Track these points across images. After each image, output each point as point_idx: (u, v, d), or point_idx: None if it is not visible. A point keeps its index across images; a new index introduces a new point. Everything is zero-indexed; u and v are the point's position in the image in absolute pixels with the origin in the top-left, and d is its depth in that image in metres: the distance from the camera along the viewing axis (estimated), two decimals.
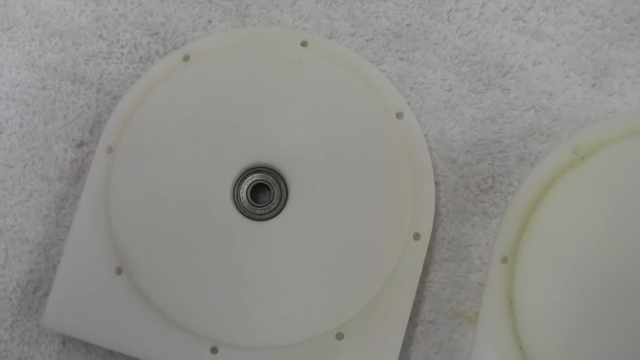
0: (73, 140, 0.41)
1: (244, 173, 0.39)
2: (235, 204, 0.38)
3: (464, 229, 0.40)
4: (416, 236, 0.38)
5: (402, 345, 0.38)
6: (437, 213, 0.39)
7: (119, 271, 0.38)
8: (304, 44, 0.40)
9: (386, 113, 0.39)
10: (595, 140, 0.37)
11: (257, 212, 0.39)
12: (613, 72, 0.41)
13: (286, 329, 0.38)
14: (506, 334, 0.37)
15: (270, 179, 0.39)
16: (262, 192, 0.39)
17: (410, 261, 0.38)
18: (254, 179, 0.39)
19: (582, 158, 0.37)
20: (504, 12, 0.41)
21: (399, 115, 0.39)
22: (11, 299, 0.40)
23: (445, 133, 0.40)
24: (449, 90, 0.40)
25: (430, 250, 0.39)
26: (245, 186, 0.39)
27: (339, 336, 0.37)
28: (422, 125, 0.40)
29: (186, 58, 0.40)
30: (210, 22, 0.42)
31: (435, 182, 0.39)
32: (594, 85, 0.41)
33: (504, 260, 0.37)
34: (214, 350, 0.38)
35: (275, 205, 0.39)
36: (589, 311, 0.36)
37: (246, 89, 0.39)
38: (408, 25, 0.41)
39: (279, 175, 0.39)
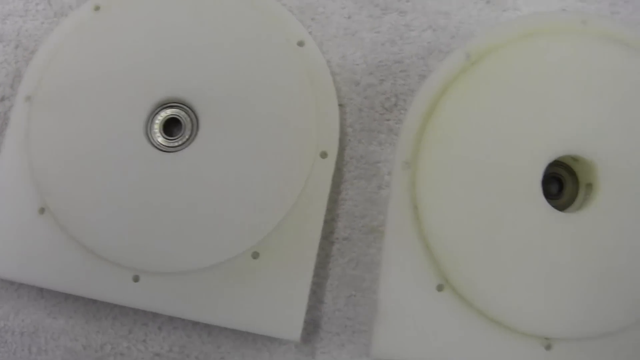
0: None
1: (156, 109, 0.41)
2: (149, 138, 0.40)
3: (371, 147, 0.41)
4: (323, 154, 0.39)
5: (320, 263, 0.39)
6: (344, 133, 0.41)
7: (42, 211, 0.39)
8: None
9: (288, 42, 0.41)
10: (485, 46, 0.39)
11: (170, 144, 0.40)
12: None
13: (204, 253, 0.39)
14: (413, 236, 0.38)
15: (182, 113, 0.40)
16: (176, 127, 0.41)
17: (319, 179, 0.39)
18: (167, 113, 0.41)
19: (473, 63, 0.38)
20: None
21: (300, 44, 0.41)
22: None
23: (347, 58, 0.42)
24: (349, 17, 0.42)
25: (340, 169, 0.40)
26: (157, 121, 0.40)
27: (255, 255, 0.39)
28: (324, 53, 0.41)
29: (97, 8, 0.42)
30: None
31: (340, 105, 0.41)
32: (488, 2, 0.42)
33: (405, 166, 0.38)
34: (135, 278, 0.39)
35: (187, 137, 0.40)
36: (484, 207, 0.37)
37: (153, 31, 0.41)
38: None
39: (190, 109, 0.40)
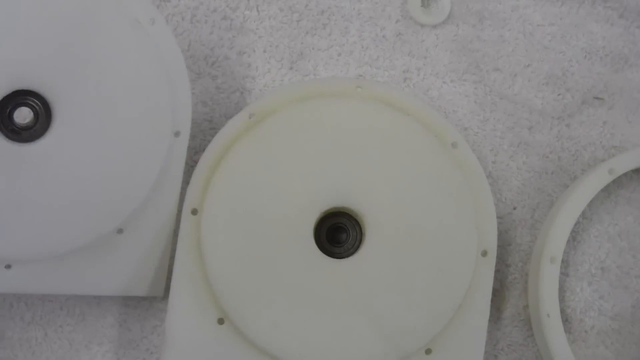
0: None
1: None
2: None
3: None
4: (177, 134, 0.43)
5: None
6: None
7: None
8: None
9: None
10: (267, 106, 0.44)
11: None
12: (308, 57, 0.48)
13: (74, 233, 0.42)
14: (197, 274, 0.42)
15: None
16: None
17: (175, 157, 0.43)
18: None
19: (256, 122, 0.44)
20: (213, 14, 0.48)
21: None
22: None
23: None
24: None
25: None
26: None
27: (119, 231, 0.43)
28: None
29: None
30: None
31: None
32: (291, 68, 0.48)
33: (194, 212, 0.43)
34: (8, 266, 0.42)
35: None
36: (261, 252, 0.42)
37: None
38: None
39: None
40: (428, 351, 0.42)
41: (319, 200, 0.42)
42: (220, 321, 0.42)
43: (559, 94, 0.48)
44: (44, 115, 0.41)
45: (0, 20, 0.39)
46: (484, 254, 0.43)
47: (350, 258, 0.42)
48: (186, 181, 0.43)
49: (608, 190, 0.47)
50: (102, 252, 0.43)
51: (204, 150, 0.44)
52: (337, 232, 0.45)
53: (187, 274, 0.42)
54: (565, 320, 0.46)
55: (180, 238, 0.43)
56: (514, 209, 0.47)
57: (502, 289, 0.46)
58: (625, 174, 0.47)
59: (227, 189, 0.43)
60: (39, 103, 0.41)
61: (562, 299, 0.46)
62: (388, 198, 0.43)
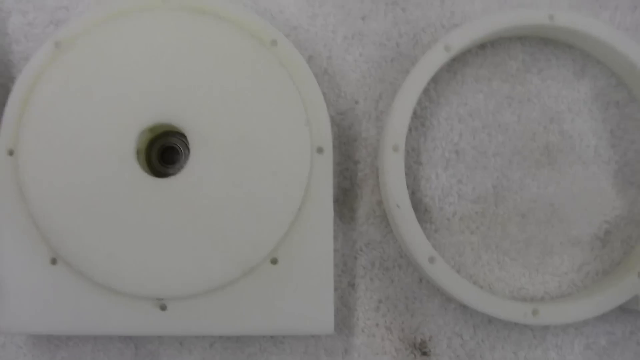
0: None
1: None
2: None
3: None
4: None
5: None
6: None
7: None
8: None
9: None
10: (74, 32, 0.41)
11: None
12: None
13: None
14: (22, 217, 0.41)
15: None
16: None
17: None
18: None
19: (62, 51, 0.41)
20: None
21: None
22: None
23: None
24: None
25: None
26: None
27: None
28: None
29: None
30: None
31: None
32: None
33: (11, 152, 0.41)
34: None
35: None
36: (85, 183, 0.40)
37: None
38: None
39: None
40: (274, 260, 0.40)
41: (137, 119, 0.40)
42: (53, 261, 0.40)
43: None
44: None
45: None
46: (320, 150, 0.40)
47: (177, 175, 0.40)
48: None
49: (453, 70, 0.45)
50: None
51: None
52: (169, 153, 0.42)
53: (11, 218, 0.40)
54: (425, 210, 0.44)
55: None
56: (356, 102, 0.45)
57: (354, 187, 0.44)
58: (470, 52, 0.45)
59: (41, 124, 0.41)
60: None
61: (417, 188, 0.44)
62: (211, 108, 0.40)
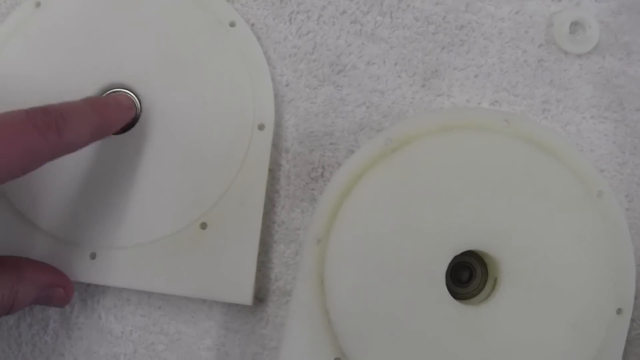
0: None
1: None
2: None
3: (293, 214, 0.43)
4: (260, 126, 0.42)
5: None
6: (269, 198, 0.43)
7: None
8: None
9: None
10: (405, 134, 0.40)
11: None
12: (443, 75, 0.44)
13: (156, 225, 0.41)
14: (316, 309, 0.39)
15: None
16: None
17: (259, 149, 0.42)
18: None
19: (393, 150, 0.40)
20: (342, 15, 0.44)
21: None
22: None
23: (280, 125, 0.43)
24: (286, 85, 0.44)
25: (261, 232, 0.42)
26: None
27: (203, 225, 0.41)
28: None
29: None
30: None
31: (270, 169, 0.42)
32: (423, 85, 0.44)
33: (318, 241, 0.40)
34: (92, 255, 0.41)
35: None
36: (389, 290, 0.39)
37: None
38: (252, 25, 0.44)
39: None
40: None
41: (453, 242, 0.39)
42: None
43: None
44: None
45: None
46: (619, 312, 0.40)
47: (483, 305, 0.39)
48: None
49: None
50: (185, 249, 0.41)
51: (324, 171, 0.41)
52: (460, 270, 0.42)
53: (306, 307, 0.39)
54: None
55: (301, 268, 0.39)
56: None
57: (627, 345, 0.44)
58: None
59: (357, 219, 0.39)
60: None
61: None
62: (526, 245, 0.40)
